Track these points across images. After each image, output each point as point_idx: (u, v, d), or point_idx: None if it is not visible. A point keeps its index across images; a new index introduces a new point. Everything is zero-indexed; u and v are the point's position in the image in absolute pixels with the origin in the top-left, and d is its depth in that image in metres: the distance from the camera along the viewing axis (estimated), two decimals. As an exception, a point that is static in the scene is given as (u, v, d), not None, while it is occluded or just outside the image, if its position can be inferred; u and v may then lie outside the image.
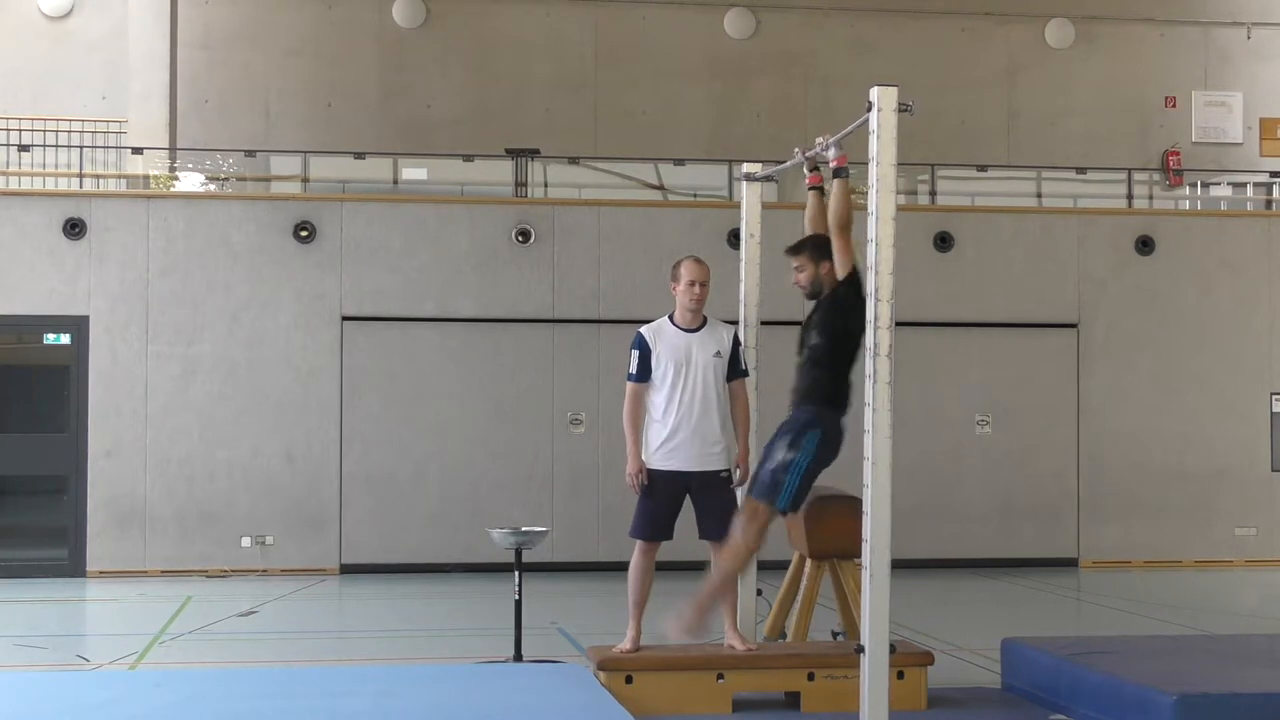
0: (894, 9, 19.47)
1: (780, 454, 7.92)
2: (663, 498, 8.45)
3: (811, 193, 8.51)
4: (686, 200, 17.04)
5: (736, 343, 8.56)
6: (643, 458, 8.46)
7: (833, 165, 7.85)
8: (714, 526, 8.39)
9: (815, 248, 8.17)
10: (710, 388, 8.37)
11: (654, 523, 8.49)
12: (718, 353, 8.41)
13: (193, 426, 14.93)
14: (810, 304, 8.29)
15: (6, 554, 15.27)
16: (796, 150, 8.40)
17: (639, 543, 8.54)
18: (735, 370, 8.51)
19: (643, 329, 8.53)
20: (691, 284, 8.40)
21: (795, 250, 8.27)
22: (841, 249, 7.93)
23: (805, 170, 8.51)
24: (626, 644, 8.35)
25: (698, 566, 13.07)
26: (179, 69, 17.54)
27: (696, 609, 8.21)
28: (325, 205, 15.38)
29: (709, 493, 8.41)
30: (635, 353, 8.45)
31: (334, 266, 15.18)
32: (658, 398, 8.39)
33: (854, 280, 7.89)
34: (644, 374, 8.40)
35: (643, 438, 8.47)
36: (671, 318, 8.52)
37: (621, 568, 14.85)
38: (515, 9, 18.96)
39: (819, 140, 8.02)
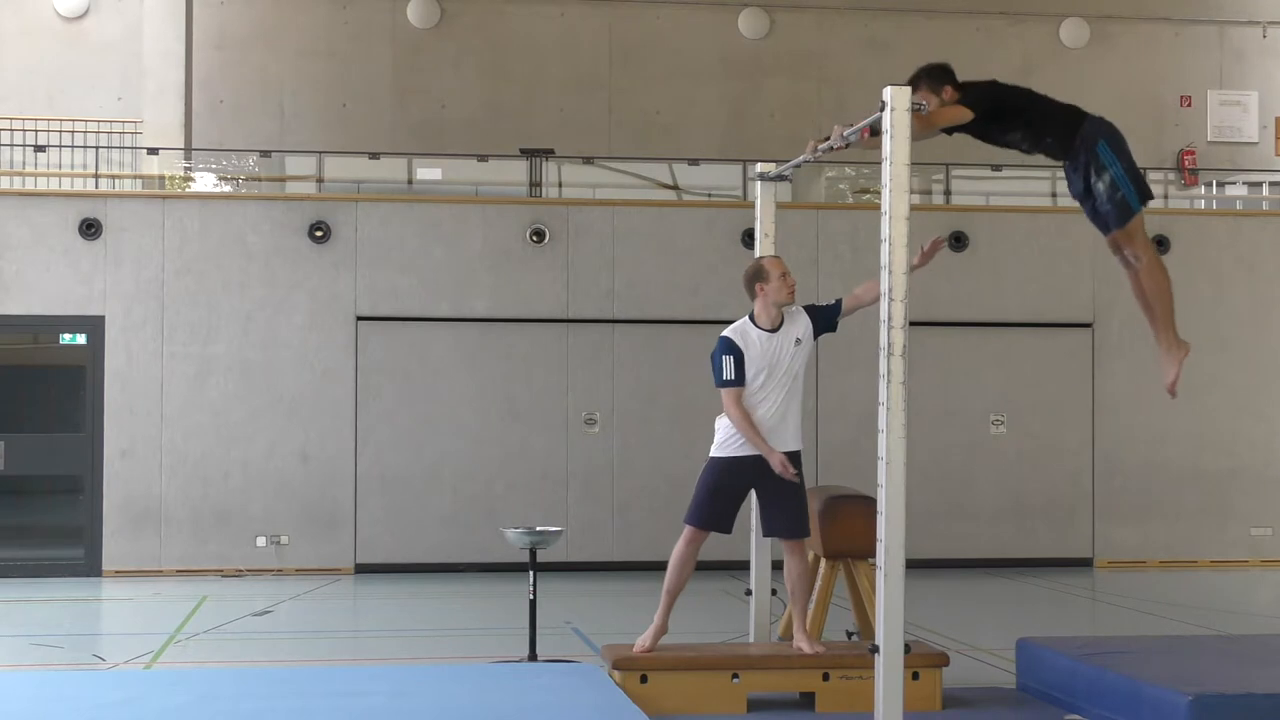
0: (908, 8, 19.45)
1: (1100, 188, 7.93)
2: (730, 486, 8.36)
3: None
4: (701, 200, 17.03)
5: (809, 309, 8.42)
6: (716, 452, 8.42)
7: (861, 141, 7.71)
8: (780, 524, 8.33)
9: (930, 76, 7.87)
10: (797, 380, 8.30)
11: (714, 511, 8.35)
12: (798, 340, 8.30)
13: (208, 426, 14.96)
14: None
15: (23, 553, 15.32)
16: (810, 143, 8.34)
17: (688, 529, 8.39)
18: (829, 323, 8.43)
19: (727, 333, 8.32)
20: (785, 275, 8.32)
21: (913, 83, 7.75)
22: (948, 119, 7.83)
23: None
24: (648, 638, 8.28)
25: (722, 566, 13.04)
26: (194, 69, 17.57)
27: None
28: (340, 205, 15.40)
29: (778, 482, 8.25)
30: (729, 358, 8.23)
31: (349, 266, 15.20)
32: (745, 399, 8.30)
33: (979, 106, 7.94)
34: (741, 378, 8.22)
35: (725, 431, 8.39)
36: (753, 319, 8.36)
37: (636, 567, 14.92)
38: (529, 9, 18.97)
39: (836, 128, 7.92)
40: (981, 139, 8.09)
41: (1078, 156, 7.91)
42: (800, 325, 8.35)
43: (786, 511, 8.32)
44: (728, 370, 8.26)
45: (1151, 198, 7.98)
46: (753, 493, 8.48)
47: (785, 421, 8.27)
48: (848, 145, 7.76)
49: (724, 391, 8.28)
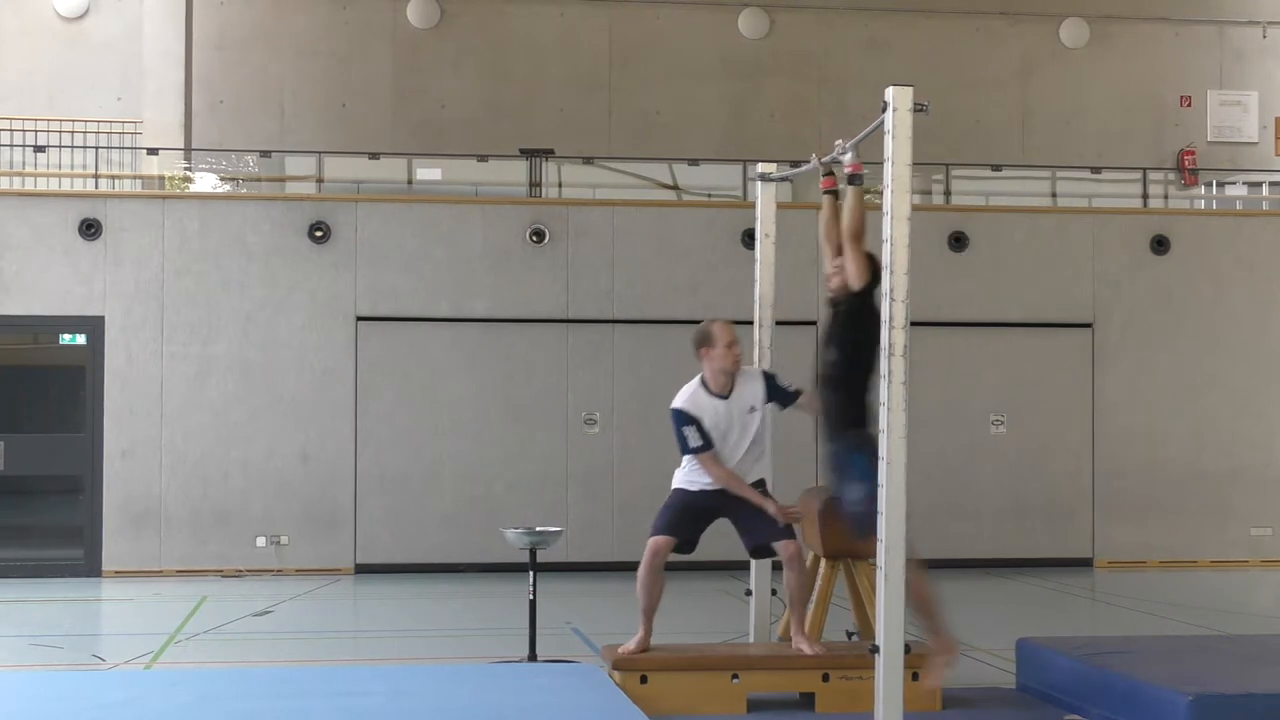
0: (908, 9, 19.44)
1: (855, 490, 7.76)
2: (699, 508, 8.34)
3: (826, 196, 8.47)
4: (701, 200, 17.04)
5: (769, 378, 8.46)
6: (680, 484, 8.41)
7: (848, 170, 7.83)
8: (763, 529, 8.32)
9: None
10: (756, 444, 8.35)
11: (678, 522, 8.30)
12: (752, 408, 8.31)
13: (208, 427, 14.96)
14: (829, 315, 8.25)
15: (23, 554, 15.32)
16: (813, 156, 8.37)
17: (652, 542, 8.30)
18: (787, 398, 8.46)
19: (679, 404, 8.32)
20: (731, 345, 8.28)
21: (839, 252, 8.14)
22: (855, 258, 7.90)
23: (820, 175, 8.49)
24: (632, 645, 8.22)
25: (721, 566, 13.08)
26: (194, 70, 17.57)
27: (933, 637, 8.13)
28: (340, 205, 15.40)
29: (745, 503, 8.29)
30: (690, 428, 8.24)
31: (349, 267, 15.20)
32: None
33: (869, 292, 7.83)
34: (709, 441, 8.23)
35: (688, 467, 8.40)
36: (704, 383, 8.37)
37: (636, 567, 14.85)
38: (529, 9, 18.97)
39: (837, 144, 7.98)
40: (832, 304, 8.24)
41: (830, 422, 8.17)
42: (753, 392, 8.35)
43: (766, 519, 8.30)
44: (694, 439, 8.26)
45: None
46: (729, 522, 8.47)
47: (751, 469, 8.37)
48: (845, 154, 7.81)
49: (700, 459, 8.27)
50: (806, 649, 8.25)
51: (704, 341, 8.36)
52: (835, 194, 8.42)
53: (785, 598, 9.12)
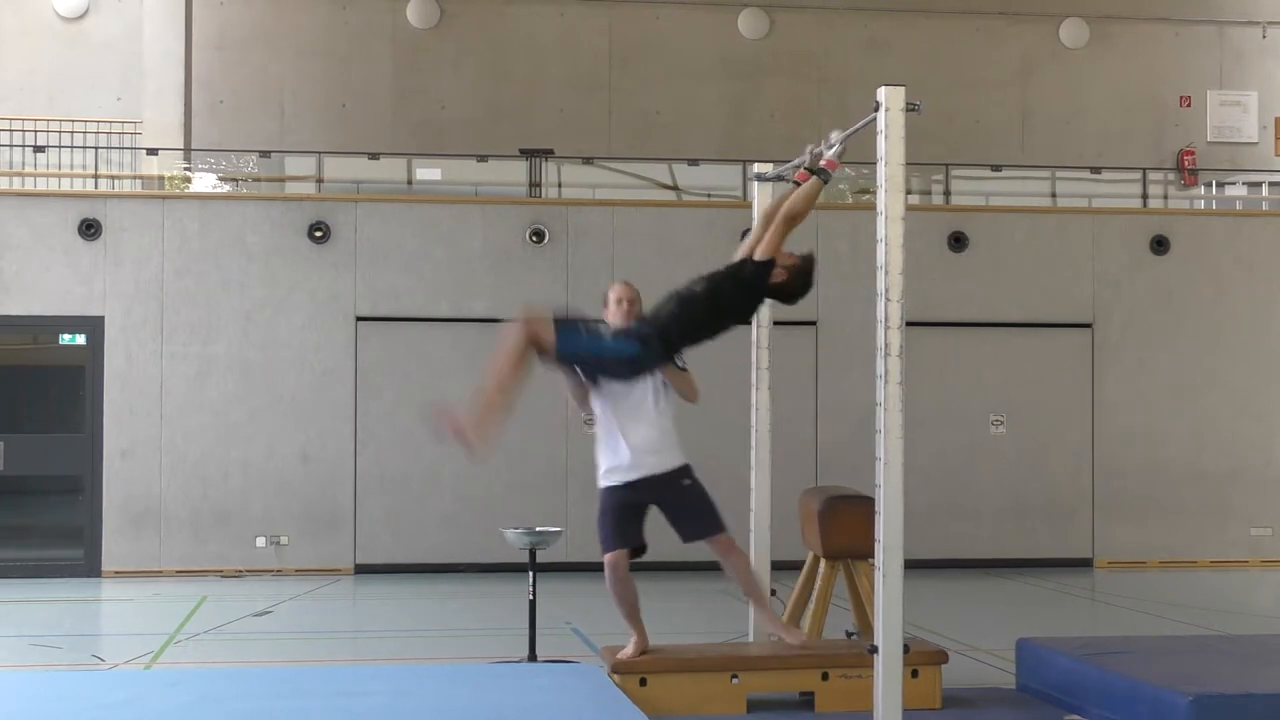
0: (907, 9, 19.45)
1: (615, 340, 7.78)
2: (623, 506, 8.22)
3: (812, 179, 8.36)
4: (700, 200, 17.03)
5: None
6: (600, 484, 8.27)
7: (822, 164, 7.77)
8: (691, 524, 8.23)
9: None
10: (650, 405, 8.22)
11: (618, 532, 8.20)
12: None
13: (208, 427, 14.96)
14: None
15: (23, 554, 15.33)
16: (807, 148, 8.33)
17: (608, 559, 8.20)
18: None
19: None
20: (620, 300, 8.28)
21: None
22: (775, 237, 7.73)
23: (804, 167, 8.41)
24: (631, 649, 8.19)
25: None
26: (194, 70, 17.58)
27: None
28: (340, 206, 15.41)
29: (670, 494, 8.21)
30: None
31: (348, 267, 15.20)
32: (599, 427, 8.23)
33: (764, 269, 7.74)
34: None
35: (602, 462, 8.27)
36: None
37: (636, 568, 14.87)
38: (529, 9, 18.97)
39: (832, 134, 7.93)
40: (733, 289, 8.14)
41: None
42: None
43: (694, 514, 8.23)
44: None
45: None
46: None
47: (644, 448, 8.19)
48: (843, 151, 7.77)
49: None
50: (787, 637, 8.24)
51: (604, 301, 8.36)
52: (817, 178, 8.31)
53: (785, 597, 9.13)
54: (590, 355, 7.68)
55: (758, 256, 7.82)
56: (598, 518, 8.29)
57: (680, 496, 8.23)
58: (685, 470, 8.32)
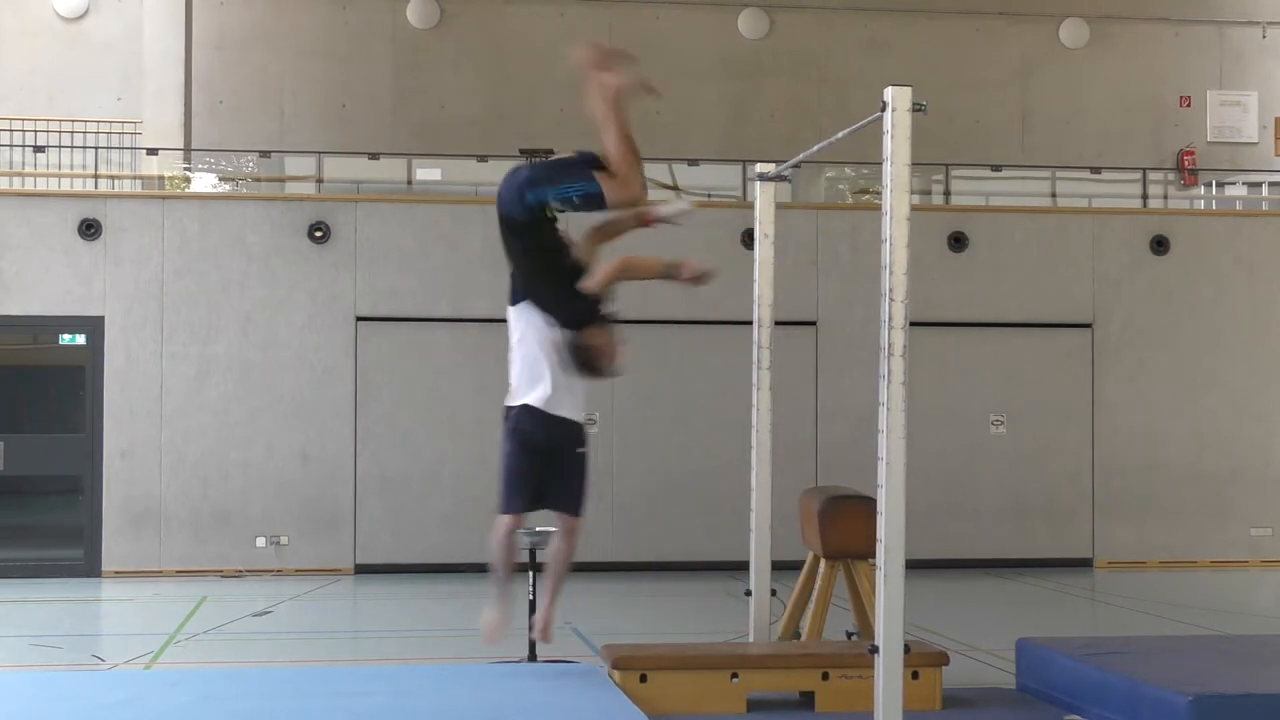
0: (907, 9, 19.44)
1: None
2: (538, 453, 7.95)
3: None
4: (700, 200, 17.02)
5: None
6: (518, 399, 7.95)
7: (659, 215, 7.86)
8: (569, 497, 8.06)
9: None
10: (525, 346, 7.99)
11: (527, 488, 7.98)
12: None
13: (208, 427, 14.96)
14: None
15: (22, 554, 15.33)
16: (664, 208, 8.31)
17: (504, 520, 8.01)
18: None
19: None
20: None
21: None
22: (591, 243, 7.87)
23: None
24: (494, 615, 7.96)
25: (721, 566, 13.02)
26: (194, 70, 17.58)
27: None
28: (340, 206, 15.41)
29: (572, 456, 7.98)
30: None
31: (348, 267, 15.20)
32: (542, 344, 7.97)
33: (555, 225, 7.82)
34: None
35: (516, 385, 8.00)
36: None
37: (636, 567, 14.90)
38: (529, 9, 18.97)
39: (679, 207, 8.02)
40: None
41: (546, 214, 7.98)
42: None
43: (567, 482, 8.04)
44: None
45: (595, 159, 7.97)
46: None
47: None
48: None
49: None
50: (538, 635, 8.11)
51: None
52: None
53: (785, 597, 9.11)
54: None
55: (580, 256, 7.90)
56: (509, 450, 8.00)
57: (575, 459, 8.03)
58: (581, 432, 8.06)
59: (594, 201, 7.74)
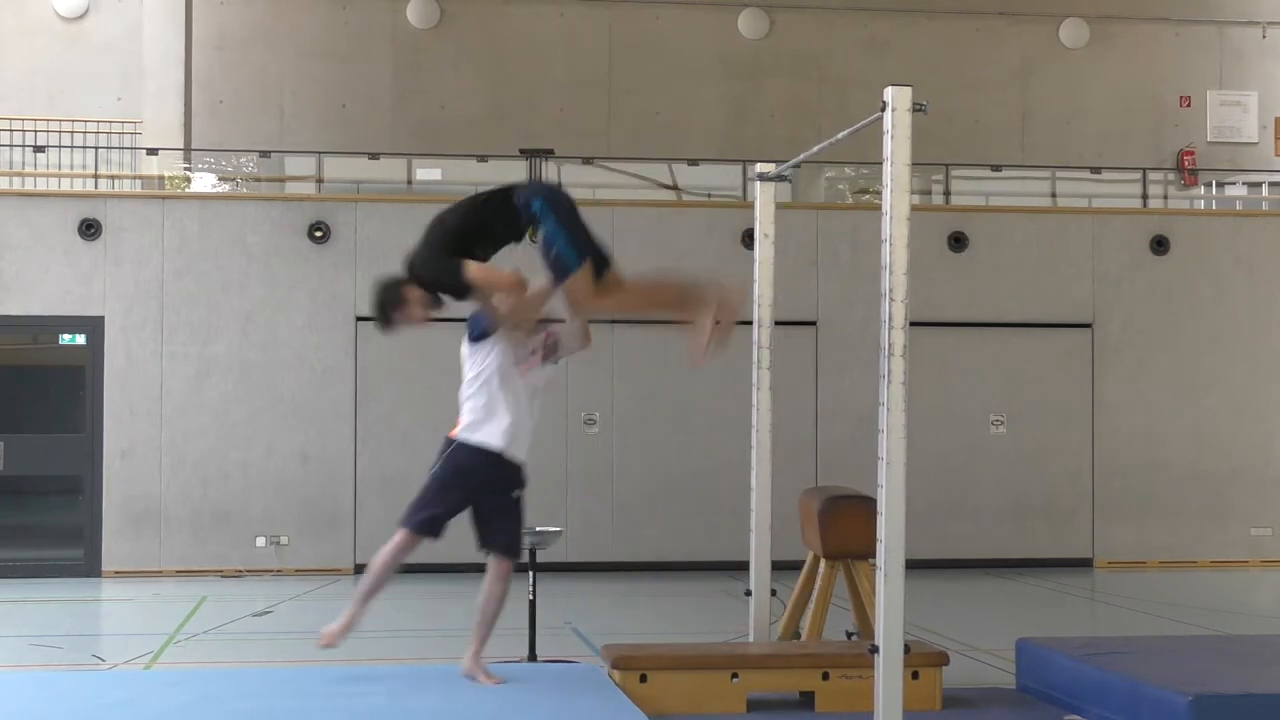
0: (907, 9, 19.45)
1: (540, 245, 7.65)
2: (474, 490, 8.02)
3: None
4: (700, 200, 17.03)
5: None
6: (470, 437, 8.01)
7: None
8: (506, 539, 8.05)
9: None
10: (475, 380, 8.16)
11: (446, 518, 8.05)
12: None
13: (208, 427, 14.96)
14: None
15: (22, 554, 15.33)
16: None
17: (406, 535, 8.05)
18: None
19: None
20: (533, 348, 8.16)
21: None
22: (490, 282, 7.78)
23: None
24: (338, 628, 7.88)
25: (721, 566, 13.04)
26: (194, 70, 17.58)
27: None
28: (340, 206, 15.41)
29: (508, 500, 8.03)
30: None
31: (348, 267, 15.20)
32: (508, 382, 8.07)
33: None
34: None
35: (472, 420, 8.06)
36: None
37: (636, 567, 14.91)
38: (529, 9, 18.97)
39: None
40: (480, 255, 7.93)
41: (522, 222, 7.68)
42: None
43: (502, 522, 8.06)
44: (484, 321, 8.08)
45: (604, 262, 7.61)
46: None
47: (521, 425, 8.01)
48: None
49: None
50: (482, 679, 7.92)
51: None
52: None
53: (785, 597, 9.11)
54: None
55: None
56: (446, 476, 8.01)
57: (512, 502, 8.06)
58: (520, 473, 8.08)
59: (555, 266, 7.57)
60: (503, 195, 7.82)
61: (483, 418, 8.06)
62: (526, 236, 7.82)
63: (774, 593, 9.20)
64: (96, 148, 16.57)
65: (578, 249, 7.52)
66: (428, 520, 8.08)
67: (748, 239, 14.36)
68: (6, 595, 13.42)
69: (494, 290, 7.76)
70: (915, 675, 7.91)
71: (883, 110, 7.04)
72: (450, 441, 8.12)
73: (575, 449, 15.32)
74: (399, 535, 8.11)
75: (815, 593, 9.17)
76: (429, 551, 13.99)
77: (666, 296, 7.65)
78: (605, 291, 7.58)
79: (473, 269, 7.72)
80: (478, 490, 8.00)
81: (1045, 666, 8.52)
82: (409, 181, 17.11)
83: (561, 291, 7.62)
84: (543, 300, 7.85)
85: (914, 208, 7.06)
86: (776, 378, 9.22)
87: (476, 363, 8.08)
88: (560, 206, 7.61)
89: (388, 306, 7.94)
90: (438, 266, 7.79)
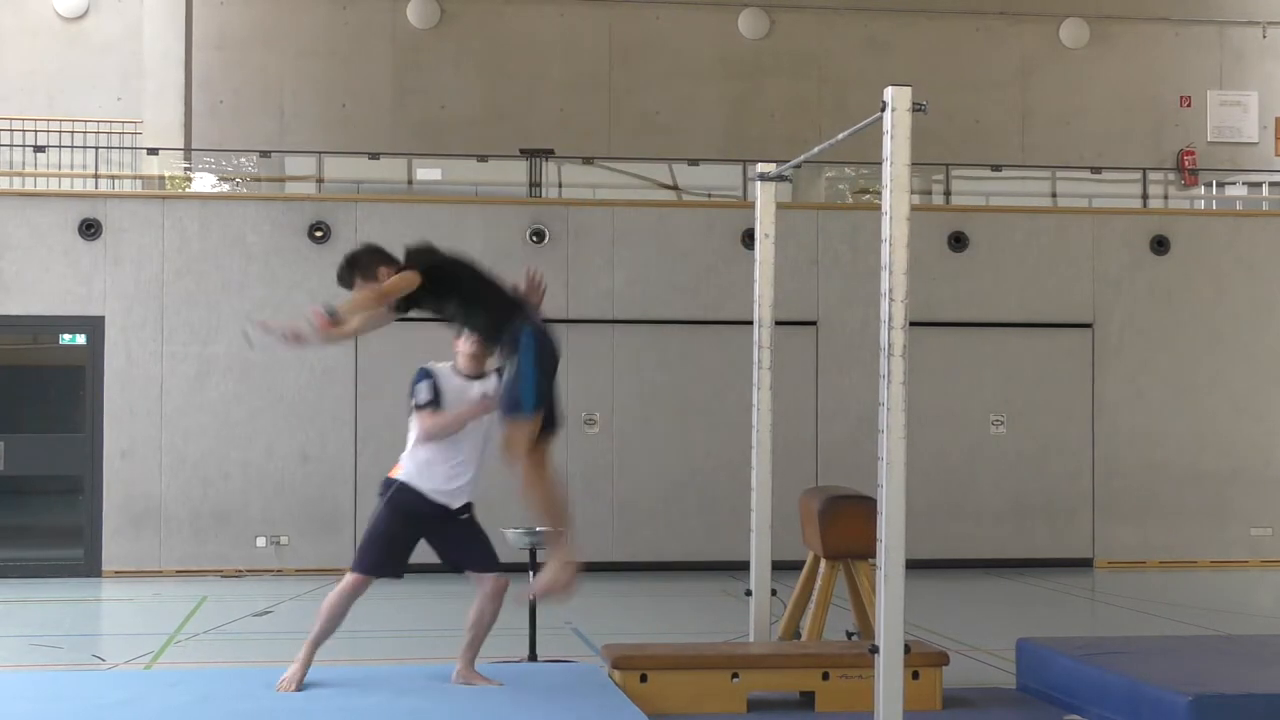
0: (908, 9, 19.45)
1: (504, 374, 7.59)
2: (413, 525, 8.15)
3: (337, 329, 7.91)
4: (701, 200, 17.03)
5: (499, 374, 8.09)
6: (414, 481, 8.18)
7: (323, 330, 7.65)
8: (482, 555, 8.28)
9: (359, 265, 8.04)
10: (486, 435, 8.18)
11: (391, 554, 8.15)
12: (485, 394, 8.14)
13: (208, 427, 14.96)
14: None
15: (23, 554, 15.32)
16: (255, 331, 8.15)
17: (355, 578, 8.08)
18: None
19: (429, 365, 8.30)
20: (468, 355, 8.26)
21: (344, 278, 8.07)
22: (394, 295, 7.73)
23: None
24: (290, 681, 7.92)
25: (721, 566, 13.07)
26: (194, 69, 17.58)
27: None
28: (340, 206, 15.41)
29: (461, 523, 8.16)
30: (426, 383, 8.20)
31: (348, 267, 15.18)
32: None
33: (426, 274, 7.74)
34: (438, 401, 8.14)
35: (416, 466, 8.21)
36: (455, 366, 8.31)
37: (636, 567, 14.91)
38: (529, 9, 18.97)
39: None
40: (424, 308, 7.84)
41: (501, 340, 7.67)
42: (494, 384, 8.09)
43: (474, 544, 8.27)
44: (425, 394, 8.17)
45: (551, 427, 7.56)
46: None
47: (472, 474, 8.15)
48: None
49: (421, 414, 8.16)
50: (476, 682, 8.05)
51: (456, 331, 8.24)
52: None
53: (785, 597, 9.12)
54: (540, 380, 7.50)
55: (405, 297, 7.79)
56: (391, 516, 8.14)
57: (468, 522, 8.24)
58: (469, 506, 8.31)
59: (510, 399, 7.47)
60: (514, 304, 7.84)
61: (423, 459, 8.24)
62: (467, 334, 7.89)
63: (774, 593, 9.20)
64: (97, 148, 16.57)
65: (539, 399, 7.42)
66: (376, 564, 8.14)
67: (748, 239, 14.37)
68: (6, 595, 13.42)
69: (365, 297, 7.76)
70: (915, 675, 7.92)
71: (883, 110, 7.04)
72: (390, 482, 8.27)
73: (575, 449, 15.31)
74: (349, 578, 8.12)
75: (815, 593, 9.17)
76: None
77: (552, 510, 7.60)
78: (534, 452, 7.47)
79: (383, 278, 7.68)
80: (422, 527, 8.18)
81: (1045, 666, 8.52)
82: (409, 181, 17.10)
83: (505, 427, 7.52)
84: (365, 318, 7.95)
85: (914, 208, 7.07)
86: (776, 378, 9.22)
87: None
88: (546, 354, 7.55)
89: (357, 268, 7.87)
90: (403, 260, 7.75)
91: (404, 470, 8.22)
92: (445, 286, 7.73)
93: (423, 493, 8.12)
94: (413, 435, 8.27)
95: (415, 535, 8.18)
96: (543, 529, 7.61)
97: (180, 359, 14.97)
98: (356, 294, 7.72)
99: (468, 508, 8.21)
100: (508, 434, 7.45)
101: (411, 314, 7.89)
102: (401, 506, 8.14)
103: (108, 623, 13.07)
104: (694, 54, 19.20)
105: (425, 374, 8.26)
